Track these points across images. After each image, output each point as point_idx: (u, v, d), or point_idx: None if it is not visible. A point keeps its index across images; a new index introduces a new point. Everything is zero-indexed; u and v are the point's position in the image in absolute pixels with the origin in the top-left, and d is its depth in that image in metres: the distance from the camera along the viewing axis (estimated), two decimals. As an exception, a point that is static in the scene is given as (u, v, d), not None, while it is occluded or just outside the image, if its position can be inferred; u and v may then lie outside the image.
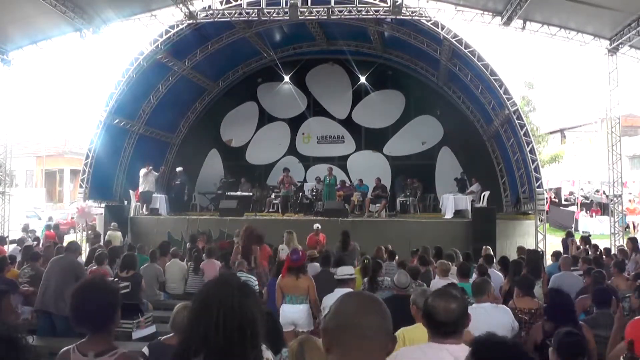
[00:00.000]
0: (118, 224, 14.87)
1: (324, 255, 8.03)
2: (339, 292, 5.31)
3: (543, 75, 70.20)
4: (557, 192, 28.82)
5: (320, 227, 11.99)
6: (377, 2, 13.17)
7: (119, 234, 14.05)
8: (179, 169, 18.48)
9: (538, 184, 13.82)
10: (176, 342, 1.95)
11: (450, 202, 15.55)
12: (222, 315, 1.83)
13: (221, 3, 13.63)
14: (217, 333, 1.82)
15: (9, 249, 12.05)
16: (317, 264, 7.85)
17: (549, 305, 4.45)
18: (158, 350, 3.74)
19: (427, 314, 2.71)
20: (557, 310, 4.26)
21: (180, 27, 15.06)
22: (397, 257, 9.61)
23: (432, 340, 2.68)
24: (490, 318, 4.45)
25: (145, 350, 3.77)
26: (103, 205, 16.69)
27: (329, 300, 5.46)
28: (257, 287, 7.01)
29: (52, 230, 16.05)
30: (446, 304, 2.65)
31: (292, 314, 6.28)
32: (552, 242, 15.35)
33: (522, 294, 5.69)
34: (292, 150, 20.51)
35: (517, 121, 14.09)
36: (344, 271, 5.92)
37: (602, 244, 14.02)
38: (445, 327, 2.63)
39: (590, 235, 14.34)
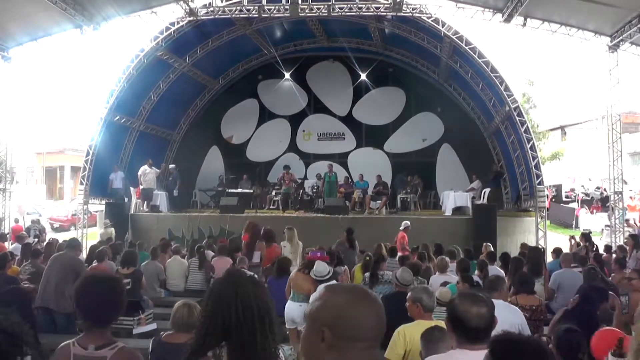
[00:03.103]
0: (118, 221, 14.91)
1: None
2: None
3: (544, 72, 70.03)
4: (558, 189, 28.81)
5: (409, 224, 11.99)
6: (377, -1, 13.17)
7: (111, 230, 14.08)
8: (171, 166, 18.48)
9: (539, 180, 13.80)
10: (191, 338, 2.02)
11: (451, 199, 15.55)
12: (242, 307, 1.91)
13: (222, 0, 13.61)
14: (238, 325, 1.89)
15: (9, 246, 12.08)
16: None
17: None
18: (159, 348, 3.75)
19: (458, 321, 2.54)
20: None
21: (181, 24, 15.04)
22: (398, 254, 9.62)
23: (461, 347, 2.53)
24: (502, 316, 4.43)
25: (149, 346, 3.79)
26: (104, 202, 16.72)
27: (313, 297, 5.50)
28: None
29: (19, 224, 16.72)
30: (478, 309, 2.52)
31: (293, 311, 6.30)
32: (553, 239, 15.35)
33: (521, 291, 5.69)
34: (292, 147, 20.52)
35: (517, 118, 14.07)
36: (320, 273, 5.93)
37: (603, 241, 14.05)
38: (477, 333, 2.50)
39: (590, 233, 14.35)
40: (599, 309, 5.02)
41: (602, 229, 17.56)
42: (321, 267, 6.00)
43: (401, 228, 11.85)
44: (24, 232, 13.52)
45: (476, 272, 7.73)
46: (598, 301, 5.11)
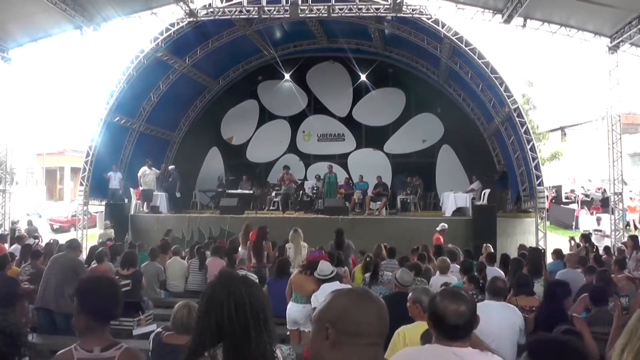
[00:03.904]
0: (118, 222, 14.90)
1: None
2: (327, 287, 5.44)
3: (543, 73, 70.05)
4: (558, 190, 28.79)
5: (446, 226, 12.03)
6: (377, 0, 13.16)
7: (110, 231, 14.08)
8: (171, 167, 18.48)
9: (538, 181, 13.81)
10: (188, 339, 2.04)
11: (451, 200, 15.54)
12: (234, 305, 1.92)
13: (221, 1, 13.62)
14: (230, 323, 1.91)
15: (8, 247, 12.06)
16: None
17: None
18: (159, 348, 3.75)
19: (437, 317, 2.53)
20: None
21: (181, 24, 15.05)
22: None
23: (438, 343, 2.51)
24: (501, 316, 4.42)
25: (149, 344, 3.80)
26: (104, 203, 16.71)
27: (319, 295, 5.61)
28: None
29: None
30: (457, 307, 2.49)
31: (295, 312, 6.29)
32: (553, 240, 15.34)
33: (520, 292, 5.69)
34: (292, 148, 20.53)
35: (517, 119, 14.09)
36: (323, 272, 5.96)
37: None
38: (455, 331, 2.48)
39: (590, 234, 14.33)
40: (564, 304, 5.04)
41: (591, 233, 17.32)
42: (325, 267, 6.01)
43: (437, 229, 11.93)
44: (24, 233, 13.54)
45: (475, 273, 7.72)
46: (563, 297, 5.14)
